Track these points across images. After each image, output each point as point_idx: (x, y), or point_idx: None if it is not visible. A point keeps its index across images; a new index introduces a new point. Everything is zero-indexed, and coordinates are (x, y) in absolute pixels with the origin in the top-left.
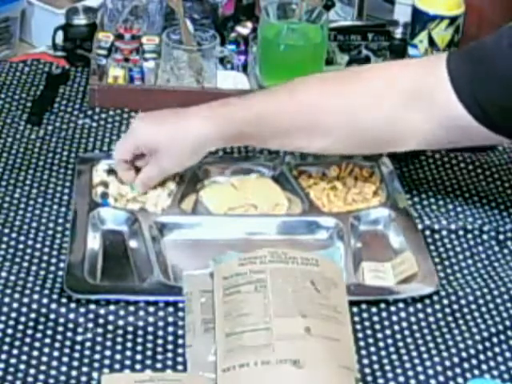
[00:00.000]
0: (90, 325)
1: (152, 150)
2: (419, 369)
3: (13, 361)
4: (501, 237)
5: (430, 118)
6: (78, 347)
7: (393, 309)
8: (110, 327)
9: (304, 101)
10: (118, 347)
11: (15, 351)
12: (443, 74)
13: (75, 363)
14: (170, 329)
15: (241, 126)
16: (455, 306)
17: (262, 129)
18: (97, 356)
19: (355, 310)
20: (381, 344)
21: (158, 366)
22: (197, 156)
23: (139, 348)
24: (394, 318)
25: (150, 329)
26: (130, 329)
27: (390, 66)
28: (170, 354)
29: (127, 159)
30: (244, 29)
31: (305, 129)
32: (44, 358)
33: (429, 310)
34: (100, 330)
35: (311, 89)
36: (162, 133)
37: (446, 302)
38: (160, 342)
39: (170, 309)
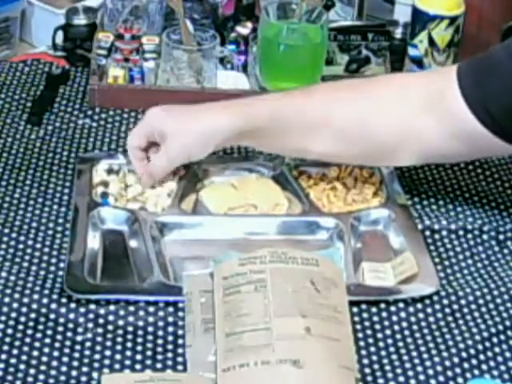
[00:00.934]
0: (90, 325)
1: (163, 137)
2: (419, 369)
3: (13, 361)
4: (501, 237)
5: (441, 124)
6: (78, 347)
7: (393, 309)
8: (110, 327)
9: (320, 100)
10: (118, 347)
11: (15, 351)
12: (453, 82)
13: (75, 363)
14: (170, 329)
15: (255, 120)
16: (455, 306)
17: (275, 124)
18: (97, 356)
19: (355, 310)
20: (381, 344)
21: (158, 366)
22: (205, 148)
23: (139, 348)
24: (394, 318)
25: (150, 329)
26: (130, 329)
27: (402, 75)
28: (170, 354)
29: (140, 146)
30: (244, 29)
31: (315, 128)
32: (44, 358)
33: (429, 310)
34: (100, 330)
35: (327, 91)
36: (174, 119)
37: (446, 302)
38: (160, 341)
39: (170, 309)
